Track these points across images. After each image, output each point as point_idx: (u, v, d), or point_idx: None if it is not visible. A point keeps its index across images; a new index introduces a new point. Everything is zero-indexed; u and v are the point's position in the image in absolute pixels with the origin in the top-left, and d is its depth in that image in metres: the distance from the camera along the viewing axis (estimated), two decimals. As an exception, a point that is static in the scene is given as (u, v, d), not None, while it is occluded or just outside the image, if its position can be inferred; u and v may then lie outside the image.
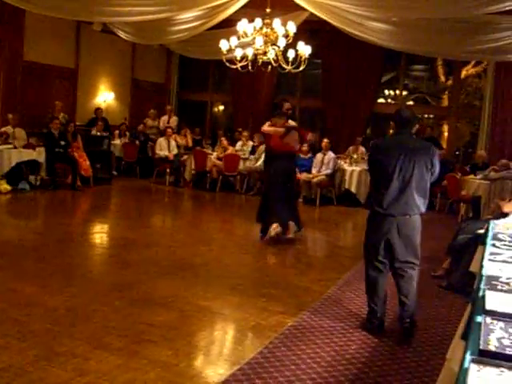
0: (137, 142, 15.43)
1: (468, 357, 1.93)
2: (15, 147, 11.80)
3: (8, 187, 11.28)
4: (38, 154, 12.13)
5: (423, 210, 4.68)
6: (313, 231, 9.72)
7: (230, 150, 14.16)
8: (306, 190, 12.78)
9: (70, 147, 12.51)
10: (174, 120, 16.40)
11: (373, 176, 4.88)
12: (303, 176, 12.57)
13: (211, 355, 4.27)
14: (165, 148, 14.42)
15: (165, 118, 16.42)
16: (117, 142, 15.53)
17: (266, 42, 10.28)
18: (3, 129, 12.40)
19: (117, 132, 15.87)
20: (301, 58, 10.31)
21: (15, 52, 13.50)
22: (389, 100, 17.68)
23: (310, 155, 13.16)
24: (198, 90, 19.31)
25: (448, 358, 2.98)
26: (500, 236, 4.09)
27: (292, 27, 10.07)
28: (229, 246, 8.10)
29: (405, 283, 4.79)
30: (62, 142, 12.34)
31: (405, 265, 4.75)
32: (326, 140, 12.92)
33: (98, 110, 15.47)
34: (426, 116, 17.60)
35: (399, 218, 4.62)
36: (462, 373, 1.85)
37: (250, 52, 10.53)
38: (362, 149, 14.21)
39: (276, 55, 10.41)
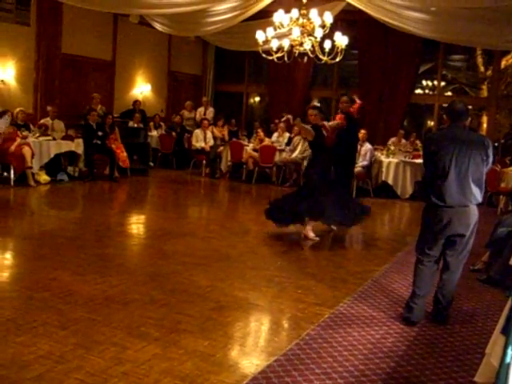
0: (173, 134, 15.52)
1: (509, 352, 1.89)
2: (54, 139, 11.97)
3: (47, 178, 11.47)
4: (77, 146, 12.29)
5: (480, 200, 4.72)
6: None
7: (266, 141, 14.15)
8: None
9: (107, 139, 12.64)
10: (211, 112, 16.45)
11: (428, 168, 4.87)
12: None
13: (247, 346, 4.27)
14: (201, 139, 14.47)
15: (201, 109, 16.48)
16: (153, 133, 15.66)
17: (302, 33, 10.22)
18: (42, 121, 12.62)
19: (152, 124, 15.98)
20: (337, 48, 10.23)
21: (54, 45, 13.67)
22: (426, 91, 17.44)
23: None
24: (234, 81, 19.33)
25: (487, 353, 2.94)
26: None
27: (329, 18, 9.99)
28: (264, 238, 8.09)
29: (449, 276, 4.91)
30: (100, 134, 12.48)
31: (457, 257, 4.84)
32: (363, 131, 12.80)
33: (136, 102, 15.60)
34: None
35: (458, 208, 4.65)
36: (504, 368, 1.82)
37: (286, 43, 10.48)
38: (417, 142, 14.21)
39: (312, 46, 10.35)
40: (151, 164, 14.88)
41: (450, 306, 5.03)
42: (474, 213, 4.71)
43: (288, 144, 14.11)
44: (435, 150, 4.69)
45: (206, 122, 14.81)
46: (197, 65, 19.04)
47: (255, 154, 13.76)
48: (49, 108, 12.72)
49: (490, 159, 4.70)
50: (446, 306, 4.97)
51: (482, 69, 16.75)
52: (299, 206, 7.85)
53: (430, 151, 4.77)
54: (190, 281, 5.69)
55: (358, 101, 9.40)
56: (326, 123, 8.17)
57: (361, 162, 12.50)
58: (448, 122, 4.84)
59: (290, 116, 8.44)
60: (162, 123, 16.30)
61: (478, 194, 4.67)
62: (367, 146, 12.73)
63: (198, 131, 14.66)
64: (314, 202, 7.77)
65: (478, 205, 4.75)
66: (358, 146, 11.89)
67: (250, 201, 12.48)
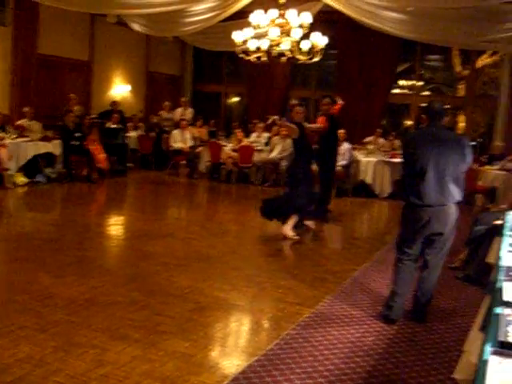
0: (152, 134, 15.46)
1: (488, 348, 1.92)
2: (31, 140, 11.87)
3: (25, 180, 11.38)
4: (54, 147, 12.21)
5: (458, 198, 4.76)
6: (329, 223, 9.69)
7: (245, 141, 14.16)
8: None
9: (85, 140, 12.57)
10: (190, 112, 16.39)
11: (407, 168, 4.90)
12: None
13: (228, 346, 4.28)
14: (179, 140, 14.44)
15: (180, 109, 16.41)
16: (132, 134, 15.59)
17: (280, 33, 10.23)
18: (19, 122, 12.49)
19: (130, 124, 15.92)
20: (316, 48, 10.26)
21: (30, 45, 13.55)
22: (404, 90, 17.56)
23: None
24: (213, 81, 19.34)
25: (465, 350, 2.98)
26: (518, 227, 4.07)
27: (307, 18, 10.02)
28: (244, 238, 8.10)
29: (428, 274, 4.96)
30: (78, 135, 12.40)
31: (436, 255, 4.90)
32: (341, 131, 12.83)
33: (114, 102, 15.52)
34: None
35: (437, 207, 4.69)
36: (482, 364, 1.84)
37: (264, 43, 10.49)
38: (395, 141, 14.30)
39: (291, 46, 10.36)
40: (130, 165, 14.82)
41: (428, 303, 5.08)
42: (452, 211, 4.75)
43: (267, 144, 14.14)
44: (414, 149, 4.73)
45: (184, 122, 14.77)
46: (175, 65, 19.00)
47: (234, 155, 13.77)
48: (25, 109, 12.59)
49: (468, 158, 4.74)
50: (425, 303, 5.02)
51: (458, 68, 16.89)
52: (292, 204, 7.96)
53: (409, 151, 4.81)
54: (170, 282, 5.68)
55: (339, 101, 9.46)
56: (306, 124, 8.22)
57: (340, 162, 12.53)
58: (427, 122, 4.89)
59: (276, 117, 8.50)
60: (140, 124, 16.24)
61: (456, 193, 4.71)
62: (346, 145, 12.78)
63: (176, 132, 14.62)
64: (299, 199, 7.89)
65: (457, 203, 4.80)
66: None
67: (230, 201, 12.48)
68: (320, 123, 9.02)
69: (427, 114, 4.90)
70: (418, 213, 4.72)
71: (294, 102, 9.06)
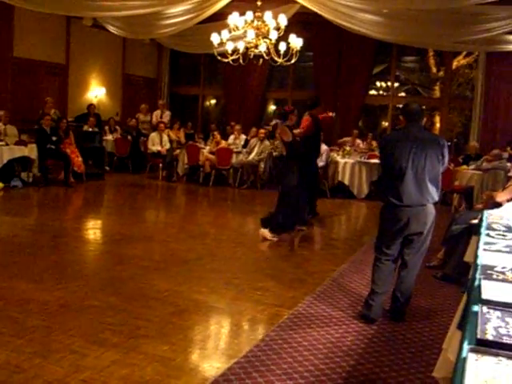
0: (129, 138, 15.39)
1: (466, 346, 1.93)
2: (7, 144, 11.74)
3: (0, 184, 11.24)
4: (30, 151, 12.07)
5: (436, 198, 4.81)
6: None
7: (223, 143, 14.15)
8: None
9: (61, 143, 12.47)
10: (168, 115, 16.35)
11: (385, 169, 4.94)
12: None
13: (207, 349, 4.26)
14: (157, 143, 14.38)
15: (157, 112, 16.36)
16: (109, 137, 15.52)
17: (257, 35, 10.26)
18: (-6, 126, 12.36)
19: (107, 127, 15.85)
20: (292, 50, 10.30)
21: (5, 48, 13.44)
22: (380, 92, 17.69)
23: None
24: (190, 84, 19.30)
25: (444, 348, 2.99)
26: (494, 226, 4.10)
27: (283, 20, 10.06)
28: (223, 240, 8.09)
29: (407, 273, 4.98)
30: (54, 138, 12.29)
31: (415, 255, 4.92)
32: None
33: (90, 105, 15.42)
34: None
35: (416, 208, 4.72)
36: (460, 362, 1.85)
37: (241, 45, 10.50)
38: (373, 142, 14.39)
39: (267, 48, 10.39)
40: (107, 168, 14.73)
41: (407, 303, 5.10)
42: (431, 211, 4.79)
43: (245, 146, 14.15)
44: (392, 150, 4.75)
45: (162, 125, 14.72)
46: (152, 67, 18.93)
47: (212, 157, 13.74)
48: (1, 113, 12.44)
49: (446, 158, 4.79)
50: (404, 303, 5.04)
51: (434, 70, 17.07)
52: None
53: (387, 152, 4.83)
54: (149, 285, 5.64)
55: (330, 113, 9.63)
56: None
57: (318, 163, 12.57)
58: (404, 123, 4.92)
59: (279, 121, 8.60)
60: (117, 127, 16.16)
61: (434, 193, 4.75)
62: (323, 146, 12.80)
63: (153, 134, 14.56)
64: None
65: (434, 203, 4.83)
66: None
67: (208, 203, 12.45)
68: (305, 121, 9.12)
69: (404, 115, 4.93)
70: (397, 213, 4.75)
71: (290, 106, 9.13)
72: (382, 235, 4.97)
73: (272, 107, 19.36)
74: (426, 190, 4.69)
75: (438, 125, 16.59)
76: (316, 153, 9.68)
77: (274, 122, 8.89)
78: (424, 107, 17.53)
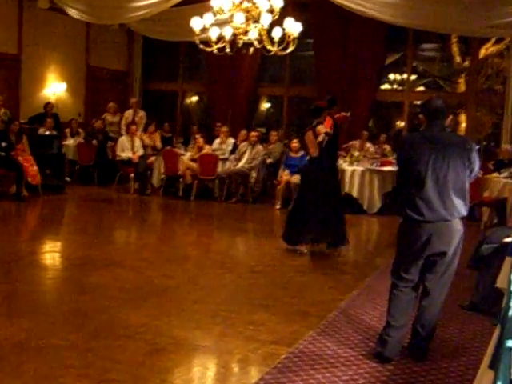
0: (94, 142, 15.36)
1: (499, 388, 1.94)
2: None
3: None
4: (-25, 160, 12.07)
5: (464, 213, 4.79)
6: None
7: (207, 149, 14.15)
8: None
9: (13, 150, 12.44)
10: (142, 116, 16.29)
11: (402, 177, 4.95)
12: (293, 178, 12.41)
13: (190, 396, 4.26)
14: (128, 148, 14.37)
15: (129, 112, 16.27)
16: (69, 142, 15.49)
17: (247, 20, 10.27)
18: None
19: (68, 130, 15.82)
20: (289, 37, 10.31)
21: None
22: (394, 86, 17.74)
23: (302, 153, 13.04)
24: (167, 78, 19.32)
25: (474, 392, 3.00)
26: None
27: (278, 1, 10.08)
28: (207, 265, 8.08)
29: (430, 303, 4.97)
30: (4, 144, 12.27)
31: (438, 281, 4.90)
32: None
33: (47, 104, 15.42)
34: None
35: (438, 223, 4.71)
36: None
37: (227, 32, 10.52)
38: (386, 146, 14.43)
39: (259, 35, 10.41)
40: (67, 179, 14.69)
41: (430, 338, 5.08)
42: (457, 228, 4.78)
43: (233, 152, 14.15)
44: (410, 155, 4.76)
45: (133, 127, 14.71)
46: (121, 59, 18.93)
47: (194, 165, 13.74)
48: None
49: (475, 165, 4.79)
50: (426, 337, 5.02)
51: (458, 59, 17.11)
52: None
53: (405, 157, 4.85)
54: (119, 319, 5.63)
55: (344, 113, 9.72)
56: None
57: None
58: (425, 122, 4.93)
59: (348, 114, 9.19)
60: (79, 130, 16.15)
61: (460, 206, 4.74)
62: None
63: (123, 138, 14.56)
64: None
65: (461, 218, 4.83)
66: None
67: (189, 221, 12.45)
68: (327, 123, 9.17)
69: (425, 114, 4.95)
70: (417, 230, 4.75)
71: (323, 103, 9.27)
72: (400, 257, 4.97)
73: (265, 105, 19.42)
74: (450, 202, 4.69)
75: (463, 125, 16.60)
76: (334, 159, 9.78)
77: (321, 138, 8.87)
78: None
